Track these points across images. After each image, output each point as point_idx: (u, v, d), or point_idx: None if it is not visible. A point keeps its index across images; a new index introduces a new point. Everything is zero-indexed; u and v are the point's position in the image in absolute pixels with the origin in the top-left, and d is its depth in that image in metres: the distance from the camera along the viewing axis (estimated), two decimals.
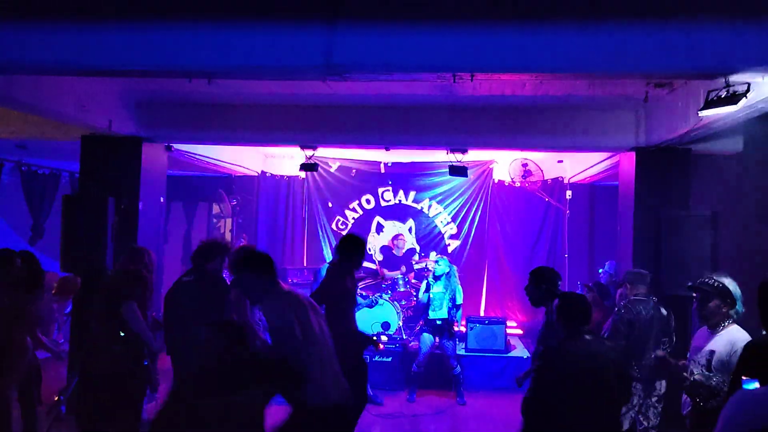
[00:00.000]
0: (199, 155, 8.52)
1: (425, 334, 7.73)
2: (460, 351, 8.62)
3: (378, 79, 4.62)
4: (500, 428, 6.77)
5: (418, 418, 7.12)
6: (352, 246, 5.27)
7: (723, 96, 4.04)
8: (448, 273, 7.74)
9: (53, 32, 4.00)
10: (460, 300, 7.85)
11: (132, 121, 6.93)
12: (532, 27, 3.96)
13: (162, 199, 7.49)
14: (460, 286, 7.94)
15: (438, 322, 7.62)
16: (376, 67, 4.08)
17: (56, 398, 5.81)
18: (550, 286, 4.54)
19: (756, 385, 2.72)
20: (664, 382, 5.12)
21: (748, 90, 3.95)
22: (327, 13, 4.07)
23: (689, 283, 4.01)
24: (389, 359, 8.33)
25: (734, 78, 3.97)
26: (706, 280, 3.96)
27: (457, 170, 7.50)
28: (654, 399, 5.10)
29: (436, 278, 7.74)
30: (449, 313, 7.64)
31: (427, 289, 7.77)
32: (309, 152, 7.63)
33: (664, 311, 5.23)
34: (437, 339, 7.67)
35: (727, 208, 6.54)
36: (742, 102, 3.98)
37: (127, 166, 6.95)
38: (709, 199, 6.74)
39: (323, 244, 10.72)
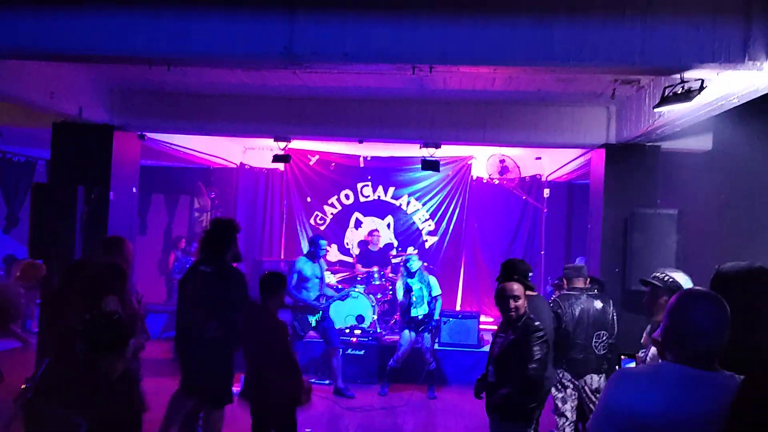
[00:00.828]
0: (176, 145, 8.50)
1: (406, 331, 7.75)
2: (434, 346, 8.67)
3: (338, 69, 4.62)
4: (469, 422, 6.81)
5: (389, 411, 7.15)
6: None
7: (678, 92, 4.07)
8: (421, 268, 7.77)
9: (6, 16, 3.98)
10: (437, 291, 7.90)
11: (103, 109, 6.91)
12: (489, 20, 4.00)
13: (134, 189, 7.46)
14: (432, 277, 7.99)
15: (420, 317, 7.66)
16: (334, 56, 4.10)
17: (23, 387, 5.79)
18: (521, 279, 4.57)
19: (633, 364, 2.77)
20: (603, 377, 5.13)
21: (702, 87, 3.98)
22: (287, 1, 4.09)
23: (641, 278, 4.02)
24: (362, 352, 8.35)
25: (688, 74, 4.01)
26: (658, 274, 3.94)
27: (430, 165, 7.51)
28: (588, 392, 5.12)
29: (412, 275, 7.76)
30: (429, 306, 7.70)
31: (409, 290, 7.76)
32: (283, 144, 7.63)
33: (599, 305, 5.16)
34: (415, 335, 7.69)
35: (695, 205, 6.60)
36: (696, 98, 4.01)
37: (98, 154, 6.92)
38: (678, 195, 6.80)
39: (301, 238, 10.71)
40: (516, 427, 4.12)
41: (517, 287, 4.19)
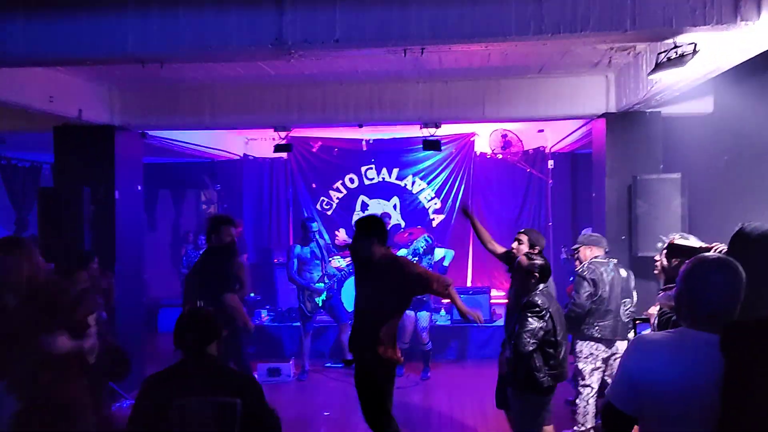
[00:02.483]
0: (178, 141, 8.54)
1: (410, 312, 7.80)
2: (446, 321, 8.74)
3: (330, 56, 4.61)
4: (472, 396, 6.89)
5: (408, 390, 7.26)
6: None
7: (672, 57, 4.04)
8: (425, 248, 7.81)
9: None
10: (447, 262, 7.94)
11: (103, 110, 6.95)
12: None
13: (139, 187, 7.52)
14: (441, 248, 8.02)
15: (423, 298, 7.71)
16: (325, 43, 4.09)
17: None
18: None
19: (648, 330, 2.78)
20: (625, 343, 5.19)
21: (695, 50, 3.95)
22: None
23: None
24: None
25: (681, 39, 3.98)
26: (672, 237, 3.98)
27: (431, 144, 7.50)
28: (615, 359, 5.17)
29: (422, 256, 7.80)
30: None
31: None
32: (284, 133, 7.64)
33: (624, 273, 5.32)
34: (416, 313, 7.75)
35: (699, 169, 6.57)
36: (690, 62, 3.98)
37: (101, 155, 6.98)
38: (681, 160, 6.76)
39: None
40: (533, 398, 4.18)
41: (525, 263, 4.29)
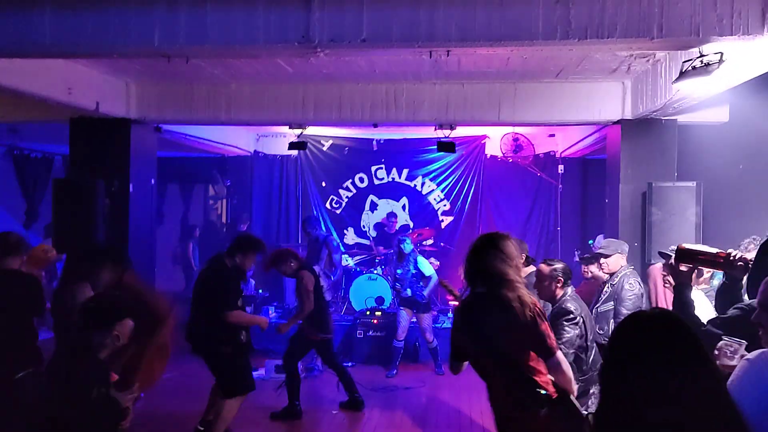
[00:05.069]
0: (191, 136, 8.56)
1: (401, 311, 7.95)
2: (448, 324, 8.75)
3: (356, 55, 4.62)
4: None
5: (401, 390, 7.31)
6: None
7: (697, 66, 4.05)
8: (412, 250, 7.90)
9: (27, 16, 4.02)
10: (428, 272, 7.98)
11: (120, 103, 6.96)
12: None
13: (153, 181, 7.54)
14: (422, 258, 8.10)
15: (409, 296, 7.86)
16: (352, 42, 4.10)
17: None
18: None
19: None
20: None
21: (721, 60, 3.96)
22: None
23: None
24: (383, 334, 8.44)
25: (707, 48, 3.99)
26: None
27: (445, 146, 7.52)
28: None
29: (405, 256, 7.90)
30: (420, 287, 7.89)
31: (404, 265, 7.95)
32: (298, 131, 7.65)
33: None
34: (413, 312, 7.87)
35: (714, 177, 6.58)
36: (716, 72, 3.99)
37: (117, 148, 7.00)
38: (696, 168, 6.77)
39: (319, 223, 10.77)
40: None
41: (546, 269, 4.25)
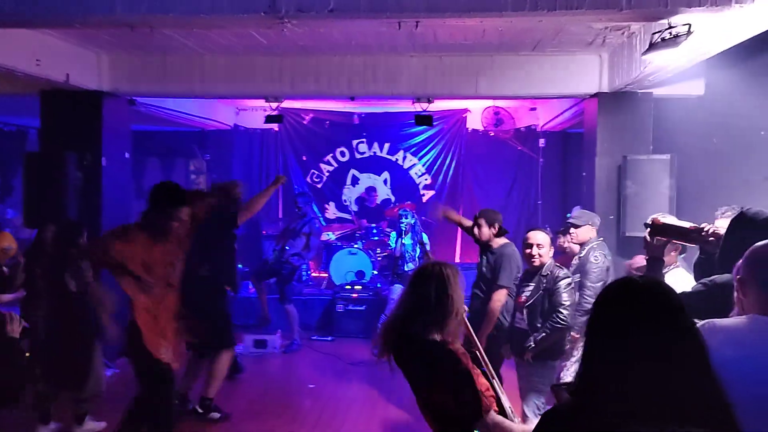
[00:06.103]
0: (168, 109, 8.44)
1: (396, 286, 7.83)
2: None
3: (324, 26, 4.55)
4: None
5: (384, 364, 7.26)
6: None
7: (666, 38, 4.02)
8: (413, 224, 7.82)
9: None
10: (428, 246, 7.97)
11: (92, 76, 6.83)
12: None
13: (127, 155, 7.44)
14: (424, 234, 8.06)
15: (408, 270, 7.72)
16: (319, 13, 4.03)
17: None
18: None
19: None
20: None
21: (689, 31, 3.93)
22: None
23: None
24: (363, 308, 8.46)
25: (675, 19, 3.95)
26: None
27: (423, 119, 7.47)
28: None
29: (411, 227, 7.83)
30: (420, 262, 7.75)
31: (399, 236, 7.87)
32: (275, 104, 7.56)
33: None
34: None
35: (689, 150, 6.59)
36: (684, 44, 3.97)
37: (88, 121, 6.88)
38: (672, 141, 6.77)
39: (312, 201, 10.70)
40: (549, 364, 4.36)
41: (541, 237, 4.39)
